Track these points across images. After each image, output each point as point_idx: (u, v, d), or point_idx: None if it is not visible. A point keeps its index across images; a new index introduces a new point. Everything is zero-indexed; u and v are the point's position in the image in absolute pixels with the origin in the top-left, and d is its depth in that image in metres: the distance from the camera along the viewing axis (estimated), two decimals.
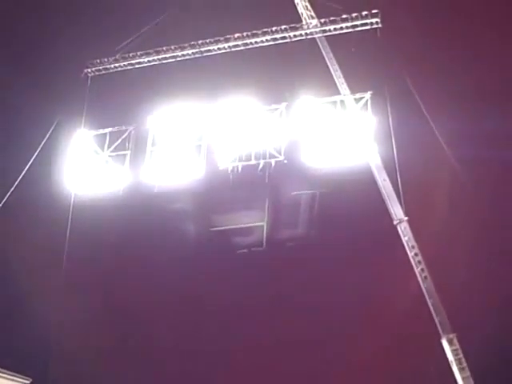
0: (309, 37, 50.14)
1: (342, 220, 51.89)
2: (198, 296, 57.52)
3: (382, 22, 48.24)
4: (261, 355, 54.75)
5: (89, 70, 55.89)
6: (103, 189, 52.58)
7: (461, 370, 39.20)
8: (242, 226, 55.05)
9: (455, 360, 39.55)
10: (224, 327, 56.65)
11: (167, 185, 51.32)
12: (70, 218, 51.73)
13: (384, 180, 44.96)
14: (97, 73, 55.82)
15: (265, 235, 53.42)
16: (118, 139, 53.59)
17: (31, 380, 73.53)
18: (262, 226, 53.23)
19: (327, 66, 48.85)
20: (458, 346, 39.88)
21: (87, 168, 53.54)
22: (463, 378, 39.00)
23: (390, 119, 46.47)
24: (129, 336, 60.43)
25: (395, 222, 43.95)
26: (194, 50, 52.29)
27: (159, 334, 62.59)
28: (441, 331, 40.30)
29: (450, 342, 39.95)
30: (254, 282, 55.81)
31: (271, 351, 53.16)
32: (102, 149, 53.69)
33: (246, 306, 56.74)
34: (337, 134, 48.38)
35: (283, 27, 50.03)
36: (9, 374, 70.12)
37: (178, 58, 53.11)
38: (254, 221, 53.52)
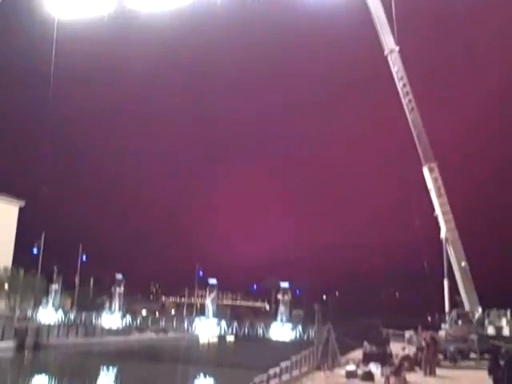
0: None
1: (332, 50, 51.22)
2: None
3: None
4: None
5: None
6: (87, 15, 50.14)
7: (438, 196, 41.31)
8: None
9: (434, 187, 41.49)
10: None
11: (152, 11, 48.96)
12: (53, 47, 50.02)
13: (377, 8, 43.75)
14: None
15: None
16: None
17: (25, 202, 77.00)
18: None
19: None
20: (437, 174, 41.59)
21: None
22: (441, 204, 41.24)
23: None
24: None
25: (386, 53, 43.41)
26: None
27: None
28: (423, 160, 41.70)
29: (431, 170, 41.57)
30: None
31: None
32: None
33: None
34: None
35: None
36: (3, 196, 73.00)
37: None
38: None
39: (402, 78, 42.63)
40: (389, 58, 43.39)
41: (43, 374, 39.40)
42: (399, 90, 42.67)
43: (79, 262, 74.29)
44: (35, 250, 65.35)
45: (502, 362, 16.93)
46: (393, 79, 43.12)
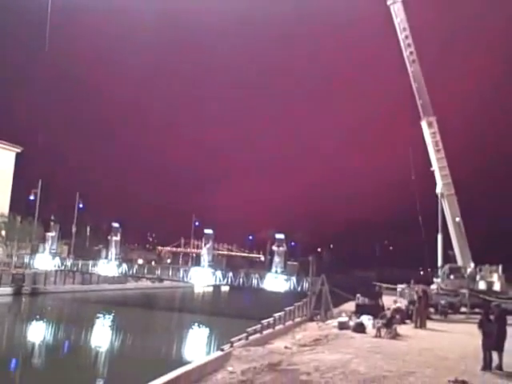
0: None
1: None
2: None
3: None
4: None
5: None
6: None
7: (436, 151, 41.16)
8: None
9: (432, 142, 41.28)
10: None
11: None
12: None
13: None
14: None
15: None
16: None
17: (22, 148, 76.57)
18: None
19: None
20: (436, 129, 41.33)
21: None
22: (438, 159, 41.14)
23: None
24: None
25: (389, 3, 42.41)
26: None
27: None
28: (422, 114, 41.33)
29: (430, 125, 41.27)
30: None
31: None
32: None
33: None
34: None
35: None
36: (0, 143, 72.61)
37: None
38: None
39: (404, 30, 41.75)
40: (391, 8, 42.40)
41: (41, 319, 39.90)
42: (401, 41, 41.89)
43: (76, 210, 74.49)
44: (32, 197, 65.25)
45: (491, 317, 17.13)
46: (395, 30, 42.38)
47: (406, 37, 41.34)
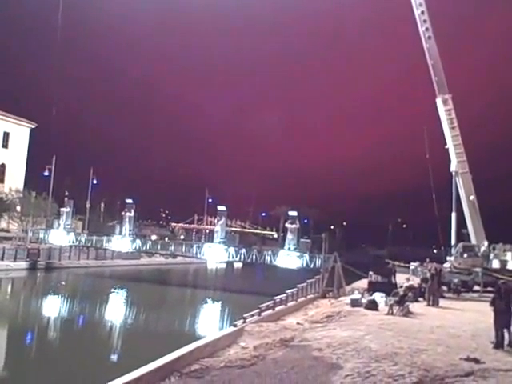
0: None
1: None
2: None
3: None
4: None
5: None
6: None
7: (451, 129, 40.70)
8: None
9: (447, 119, 40.81)
10: None
11: None
12: None
13: None
14: None
15: None
16: None
17: (36, 125, 76.95)
18: None
19: None
20: (451, 107, 40.80)
21: None
22: (453, 137, 40.70)
23: None
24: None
25: None
26: None
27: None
28: (437, 91, 40.81)
29: (445, 103, 40.76)
30: None
31: None
32: None
33: None
34: None
35: None
36: (15, 118, 73.09)
37: None
38: None
39: (420, 5, 41.10)
40: None
41: (56, 294, 40.39)
42: (416, 17, 41.22)
43: (90, 185, 75.00)
44: (46, 173, 65.60)
45: (503, 295, 17.06)
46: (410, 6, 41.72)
47: (422, 12, 40.61)
